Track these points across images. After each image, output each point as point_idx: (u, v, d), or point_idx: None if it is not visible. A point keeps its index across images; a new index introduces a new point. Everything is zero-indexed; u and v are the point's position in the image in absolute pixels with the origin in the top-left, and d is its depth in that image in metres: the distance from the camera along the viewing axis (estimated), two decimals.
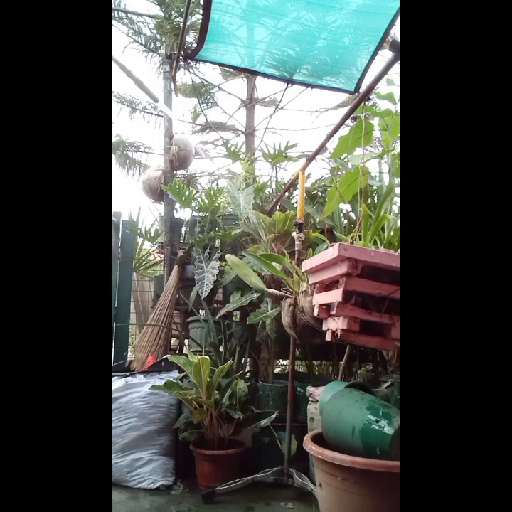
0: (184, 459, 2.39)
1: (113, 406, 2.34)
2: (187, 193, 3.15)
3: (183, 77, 4.97)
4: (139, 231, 3.58)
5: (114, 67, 3.58)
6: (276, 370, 3.68)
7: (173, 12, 3.65)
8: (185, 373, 2.35)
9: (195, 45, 2.81)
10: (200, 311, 3.22)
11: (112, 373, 2.51)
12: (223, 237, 3.08)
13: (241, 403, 2.35)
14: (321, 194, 3.30)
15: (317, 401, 2.10)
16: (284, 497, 2.15)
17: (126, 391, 2.39)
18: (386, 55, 2.80)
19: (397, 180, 2.16)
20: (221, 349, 2.81)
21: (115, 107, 4.82)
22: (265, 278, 2.59)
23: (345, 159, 2.95)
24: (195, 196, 3.32)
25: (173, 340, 3.48)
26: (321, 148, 2.37)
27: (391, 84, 2.24)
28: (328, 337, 1.50)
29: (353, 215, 2.93)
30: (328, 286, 1.53)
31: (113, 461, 2.27)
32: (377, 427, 1.48)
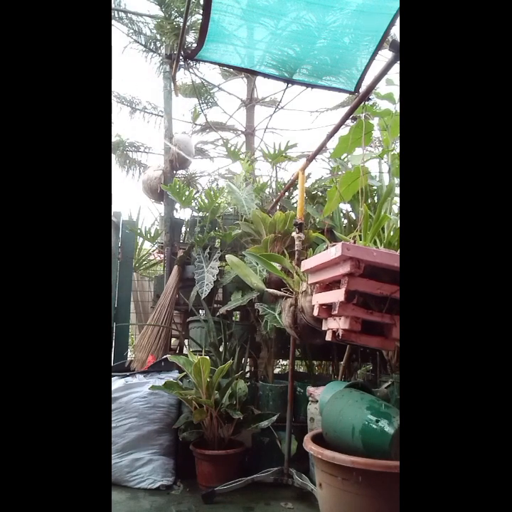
0: (184, 459, 2.39)
1: (113, 406, 2.34)
2: (187, 193, 3.15)
3: (183, 77, 4.99)
4: (139, 231, 3.58)
5: (114, 67, 3.57)
6: (276, 370, 3.68)
7: (173, 12, 3.65)
8: (185, 373, 2.35)
9: (195, 45, 2.81)
10: (200, 311, 3.22)
11: (112, 373, 2.51)
12: (223, 237, 3.08)
13: (241, 403, 2.35)
14: (321, 194, 3.30)
15: (317, 401, 2.10)
16: (284, 497, 2.15)
17: (126, 391, 2.39)
18: (386, 55, 2.80)
19: (397, 180, 2.16)
20: (221, 349, 2.81)
21: (115, 107, 4.82)
22: (266, 279, 2.59)
23: (345, 159, 2.95)
24: (195, 196, 3.32)
25: (173, 340, 3.48)
26: (321, 148, 2.37)
27: (391, 84, 2.24)
28: (328, 337, 1.50)
29: (353, 215, 2.93)
30: (328, 286, 1.53)
31: (113, 461, 2.27)
32: (377, 427, 1.48)
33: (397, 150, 2.27)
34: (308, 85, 3.09)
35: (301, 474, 2.14)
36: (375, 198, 2.66)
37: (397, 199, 2.13)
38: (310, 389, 2.32)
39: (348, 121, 2.48)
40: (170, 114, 3.66)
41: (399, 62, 1.48)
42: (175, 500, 2.11)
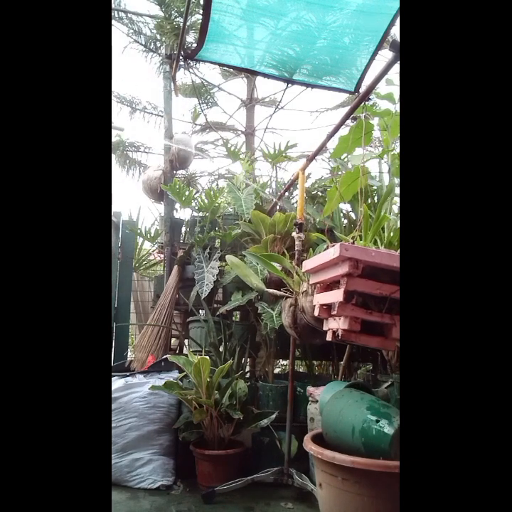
0: (184, 459, 2.39)
1: (113, 406, 2.34)
2: (187, 193, 3.15)
3: (183, 77, 4.98)
4: (139, 231, 3.58)
5: (114, 67, 3.58)
6: (276, 370, 3.68)
7: (173, 12, 3.65)
8: (185, 373, 2.35)
9: (195, 45, 2.81)
10: (200, 311, 3.22)
11: (112, 373, 2.51)
12: (223, 237, 3.08)
13: (241, 403, 2.35)
14: (321, 194, 3.30)
15: (317, 401, 2.10)
16: (284, 497, 2.15)
17: (126, 391, 2.39)
18: (386, 55, 2.80)
19: (397, 180, 2.16)
20: (221, 349, 2.81)
21: (115, 107, 4.82)
22: (266, 278, 2.60)
23: (345, 159, 2.95)
24: (195, 196, 3.32)
25: (173, 340, 3.48)
26: (321, 148, 2.37)
27: (391, 84, 2.24)
28: (328, 337, 1.50)
29: (353, 215, 2.93)
30: (329, 286, 1.53)
31: (113, 461, 2.27)
32: (377, 427, 1.48)
33: (397, 150, 2.28)
34: (308, 85, 3.09)
35: (301, 474, 2.14)
36: (375, 198, 2.66)
37: (397, 199, 2.13)
38: (310, 389, 2.32)
39: (348, 121, 2.48)
40: (170, 114, 3.66)
41: (399, 62, 1.48)
42: (175, 500, 2.11)
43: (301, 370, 3.71)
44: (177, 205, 3.57)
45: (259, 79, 4.71)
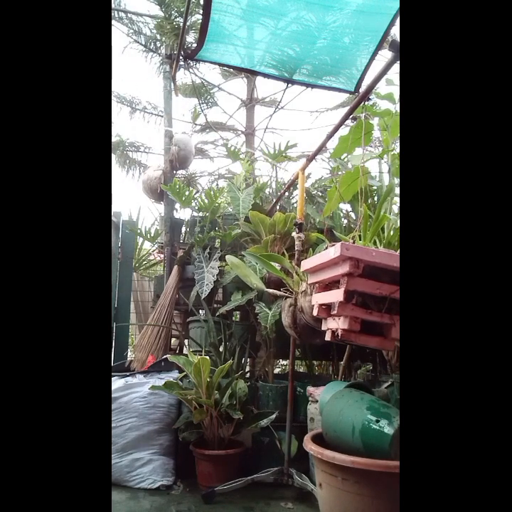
0: (184, 459, 2.39)
1: (113, 406, 2.34)
2: (187, 193, 3.15)
3: (183, 77, 4.98)
4: (139, 231, 3.57)
5: (114, 67, 3.58)
6: (276, 370, 3.68)
7: (173, 12, 3.65)
8: (185, 373, 2.35)
9: (195, 45, 2.81)
10: (200, 311, 3.22)
11: (112, 373, 2.51)
12: (223, 237, 3.08)
13: (241, 403, 2.35)
14: (321, 194, 3.30)
15: (317, 401, 2.10)
16: (284, 497, 2.15)
17: (126, 391, 2.39)
18: (386, 55, 2.80)
19: (397, 180, 2.16)
20: (221, 349, 2.81)
21: (115, 107, 4.82)
22: (265, 278, 2.60)
23: (345, 159, 2.95)
24: (195, 196, 3.32)
25: (173, 340, 3.48)
26: (321, 148, 2.37)
27: (391, 84, 2.24)
28: (328, 337, 1.50)
29: (353, 215, 2.93)
30: (328, 286, 1.53)
31: (113, 461, 2.27)
32: (377, 427, 1.48)
33: (397, 150, 2.27)
34: (308, 85, 3.09)
35: (301, 474, 2.14)
36: (375, 198, 2.66)
37: (397, 199, 2.13)
38: (310, 389, 2.32)
39: (348, 121, 2.48)
40: (170, 114, 3.66)
41: (399, 62, 1.48)
42: (175, 500, 2.11)
43: (301, 370, 3.71)
44: (177, 205, 3.57)
45: (259, 79, 4.72)
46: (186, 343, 3.22)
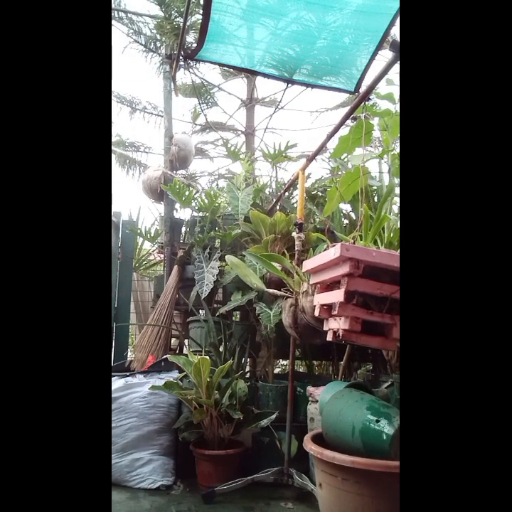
0: (184, 459, 2.39)
1: (113, 406, 2.34)
2: (187, 193, 3.14)
3: (183, 77, 4.98)
4: (139, 231, 3.57)
5: (114, 67, 3.58)
6: (276, 370, 3.68)
7: (173, 12, 3.65)
8: (185, 373, 2.35)
9: (195, 45, 2.81)
10: (200, 311, 3.22)
11: (112, 373, 2.51)
12: (223, 237, 3.08)
13: (241, 403, 2.35)
14: (321, 194, 3.30)
15: (317, 401, 2.10)
16: (284, 497, 2.15)
17: (126, 391, 2.39)
18: (386, 55, 2.80)
19: (397, 180, 2.16)
20: (221, 349, 2.81)
21: (115, 107, 4.82)
22: (265, 278, 2.59)
23: (345, 159, 2.95)
24: (195, 196, 3.32)
25: (173, 340, 3.48)
26: (321, 148, 2.37)
27: (391, 84, 2.24)
28: (329, 337, 1.50)
29: (353, 215, 2.93)
30: (329, 286, 1.53)
31: (113, 461, 2.27)
32: (377, 427, 1.48)
33: (397, 150, 2.28)
34: (308, 85, 3.09)
35: (301, 474, 2.14)
36: (375, 198, 2.66)
37: (397, 199, 2.13)
38: (310, 389, 2.32)
39: (348, 121, 2.48)
40: (170, 114, 3.66)
41: (399, 62, 1.48)
42: (175, 500, 2.11)
43: (301, 370, 3.71)
44: (177, 205, 3.57)
45: (259, 79, 4.72)
46: (186, 343, 3.22)
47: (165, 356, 2.58)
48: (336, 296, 1.39)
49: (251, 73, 3.37)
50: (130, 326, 3.90)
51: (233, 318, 3.40)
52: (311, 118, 6.33)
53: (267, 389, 2.61)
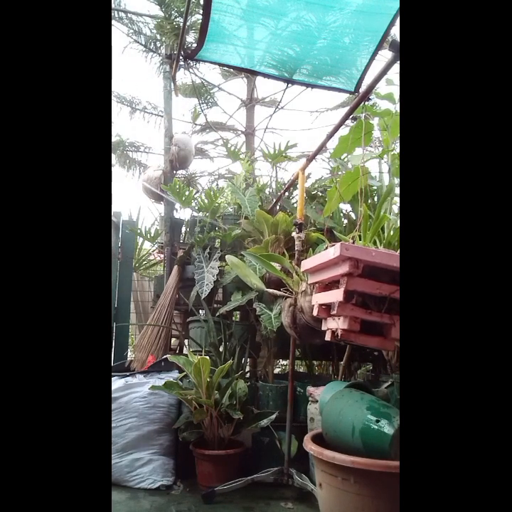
0: (184, 459, 2.39)
1: (113, 406, 2.34)
2: (187, 193, 3.15)
3: (183, 77, 4.98)
4: (139, 231, 3.57)
5: (114, 67, 3.58)
6: (276, 370, 3.68)
7: (173, 12, 3.65)
8: (185, 373, 2.35)
9: (195, 45, 2.81)
10: (200, 311, 3.22)
11: (112, 373, 2.51)
12: (223, 237, 3.08)
13: (241, 403, 2.35)
14: (321, 194, 3.30)
15: (317, 401, 2.10)
16: (284, 497, 2.15)
17: (126, 391, 2.39)
18: (386, 55, 2.80)
19: (397, 180, 2.16)
20: (221, 349, 2.81)
21: (115, 107, 4.82)
22: (265, 278, 2.59)
23: (345, 159, 2.95)
24: (195, 196, 3.32)
25: (173, 340, 3.48)
26: (321, 148, 2.37)
27: (391, 84, 2.24)
28: (328, 337, 1.50)
29: (353, 215, 2.93)
30: (328, 286, 1.53)
31: (113, 461, 2.27)
32: (377, 427, 1.48)
33: (397, 150, 2.27)
34: (308, 85, 3.09)
35: (301, 474, 2.14)
36: (375, 198, 2.66)
37: (397, 199, 2.13)
38: (310, 389, 2.32)
39: (348, 121, 2.48)
40: (170, 114, 3.66)
41: (399, 62, 1.48)
42: (175, 500, 2.11)
43: (301, 370, 3.71)
44: (177, 205, 3.57)
45: (259, 79, 4.71)
46: (186, 343, 3.22)
47: (165, 356, 2.58)
48: (335, 295, 1.39)
49: (251, 73, 3.37)
50: (130, 326, 3.90)
51: (233, 318, 3.40)
52: (311, 118, 6.32)
53: (267, 389, 2.61)
